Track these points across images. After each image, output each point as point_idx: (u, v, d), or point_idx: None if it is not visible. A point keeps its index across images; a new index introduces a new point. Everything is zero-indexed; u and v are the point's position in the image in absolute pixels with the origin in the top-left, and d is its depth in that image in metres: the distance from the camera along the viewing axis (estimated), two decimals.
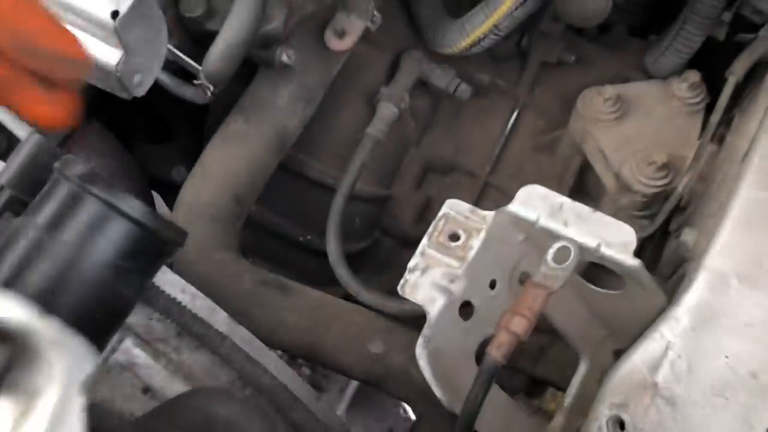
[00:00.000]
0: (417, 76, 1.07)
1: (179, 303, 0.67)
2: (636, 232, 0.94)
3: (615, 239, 0.79)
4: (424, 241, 0.81)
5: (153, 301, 0.66)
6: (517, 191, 1.17)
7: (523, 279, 0.86)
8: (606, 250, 0.79)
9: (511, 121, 1.15)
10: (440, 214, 0.82)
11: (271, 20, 0.84)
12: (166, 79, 0.96)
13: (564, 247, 0.66)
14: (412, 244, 1.19)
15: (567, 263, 0.65)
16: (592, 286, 0.86)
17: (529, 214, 0.81)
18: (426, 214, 1.18)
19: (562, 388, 1.13)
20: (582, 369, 0.92)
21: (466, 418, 0.61)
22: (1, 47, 0.57)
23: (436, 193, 1.18)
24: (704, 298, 0.75)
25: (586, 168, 1.04)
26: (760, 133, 0.80)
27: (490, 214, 0.82)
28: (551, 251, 0.66)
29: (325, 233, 1.00)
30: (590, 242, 0.79)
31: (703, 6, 0.88)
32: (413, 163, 1.15)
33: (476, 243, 0.80)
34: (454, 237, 0.81)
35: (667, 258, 0.97)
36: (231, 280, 0.89)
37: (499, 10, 0.90)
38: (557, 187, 1.11)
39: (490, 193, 1.16)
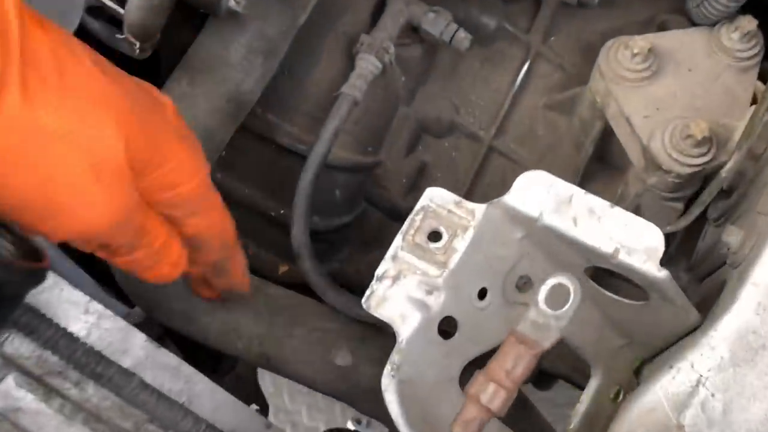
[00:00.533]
0: (405, 20, 0.89)
1: (69, 334, 0.53)
2: (664, 226, 0.77)
3: (637, 243, 0.62)
4: (397, 241, 0.65)
5: (36, 332, 0.52)
6: (527, 157, 1.01)
7: (522, 284, 0.70)
8: (625, 258, 0.62)
9: (522, 73, 0.96)
10: (417, 206, 0.66)
11: None
12: (98, 28, 0.80)
13: (560, 285, 0.49)
14: (402, 217, 1.04)
15: (564, 309, 0.48)
16: (608, 293, 0.70)
17: (530, 209, 0.64)
18: (419, 182, 1.01)
19: (572, 381, 0.99)
20: (593, 384, 0.77)
21: None
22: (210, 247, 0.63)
23: (433, 159, 1.01)
24: (750, 323, 0.59)
25: (610, 132, 0.85)
26: None
27: (479, 208, 0.65)
28: (543, 290, 0.50)
29: None
30: (605, 246, 0.63)
31: None
32: (403, 124, 0.98)
33: (462, 244, 0.64)
34: (435, 236, 0.65)
35: (703, 251, 0.80)
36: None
37: None
38: (575, 155, 0.94)
39: (494, 159, 0.99)
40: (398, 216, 1.02)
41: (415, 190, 1.01)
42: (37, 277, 0.47)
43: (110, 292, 0.79)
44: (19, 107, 0.44)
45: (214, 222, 0.62)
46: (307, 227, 0.82)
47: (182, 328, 0.76)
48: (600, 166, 0.93)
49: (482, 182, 1.00)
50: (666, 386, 0.61)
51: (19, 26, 0.46)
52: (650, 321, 0.69)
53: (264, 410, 1.25)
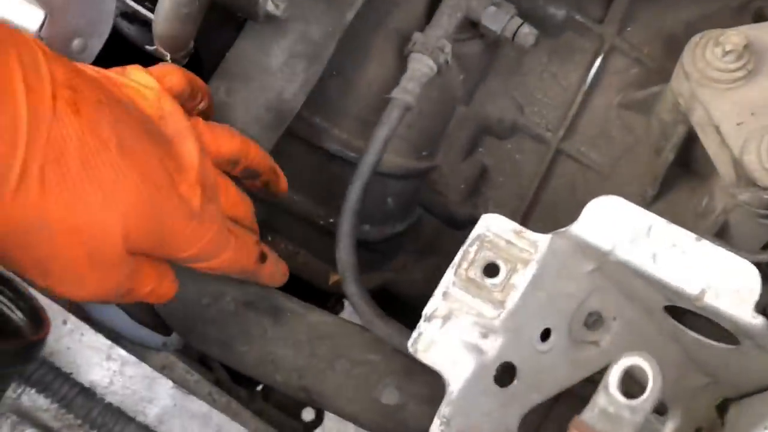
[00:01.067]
0: (463, 14, 0.80)
1: (86, 390, 0.48)
2: (758, 249, 0.68)
3: (728, 284, 0.54)
4: (448, 275, 0.58)
5: (50, 389, 0.48)
6: (599, 161, 0.92)
7: (592, 322, 0.62)
8: (713, 300, 0.54)
9: (594, 68, 0.87)
10: (472, 236, 0.59)
11: None
12: (133, 32, 0.76)
13: (637, 368, 0.41)
14: (461, 225, 0.97)
15: (642, 399, 0.40)
16: (692, 333, 0.62)
17: (602, 241, 0.56)
18: (479, 186, 0.94)
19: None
20: (670, 426, 0.69)
21: None
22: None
23: (494, 163, 0.93)
24: None
25: (695, 138, 0.76)
26: None
27: (543, 239, 0.57)
28: (615, 372, 0.41)
29: None
30: (690, 287, 0.54)
31: None
32: (462, 125, 0.90)
33: (522, 280, 0.57)
34: (492, 270, 0.58)
35: None
36: (208, 300, 0.70)
37: None
38: (654, 160, 0.85)
39: (562, 162, 0.90)
40: (456, 223, 0.95)
41: (474, 196, 0.94)
42: (30, 354, 0.44)
43: (147, 316, 0.75)
44: (33, 201, 0.45)
45: (225, 263, 0.62)
46: (353, 246, 0.76)
47: (219, 356, 0.72)
48: (682, 172, 0.83)
49: (549, 188, 0.91)
50: None
51: (51, 109, 0.46)
52: (740, 366, 0.61)
53: None
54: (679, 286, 0.54)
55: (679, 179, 0.84)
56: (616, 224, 0.56)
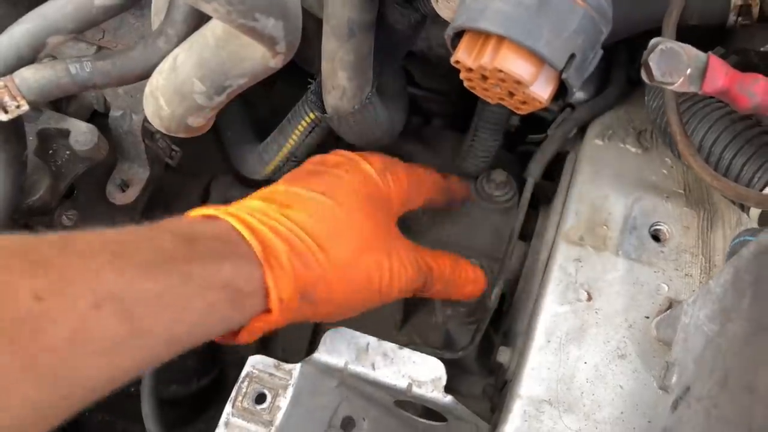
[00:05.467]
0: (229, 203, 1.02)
1: None
2: (459, 346, 0.91)
3: (425, 376, 0.76)
4: (227, 409, 0.75)
5: None
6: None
7: (347, 424, 0.81)
8: (417, 390, 0.75)
9: None
10: (243, 374, 0.76)
11: (35, 190, 0.78)
12: None
13: None
14: None
15: None
16: (418, 419, 0.82)
17: (336, 361, 0.76)
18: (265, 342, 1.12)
19: None
20: None
21: None
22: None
23: None
24: (521, 430, 0.72)
25: None
26: (557, 242, 0.78)
27: (296, 367, 0.77)
28: None
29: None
30: (401, 383, 0.75)
31: (491, 114, 0.87)
32: None
33: (284, 402, 0.75)
34: (260, 398, 0.75)
35: (496, 368, 0.94)
36: None
37: (289, 141, 0.87)
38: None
39: None
40: None
41: (264, 350, 1.12)
42: None
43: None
44: None
45: None
46: (154, 403, 0.90)
47: None
48: (418, 300, 1.07)
49: None
50: None
51: None
52: None
53: None
54: (393, 384, 0.75)
55: (417, 305, 1.08)
56: (345, 347, 0.77)
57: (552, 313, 0.74)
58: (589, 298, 0.74)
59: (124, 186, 0.85)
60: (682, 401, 0.53)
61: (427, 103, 1.12)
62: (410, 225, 0.92)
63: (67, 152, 0.81)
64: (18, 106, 0.61)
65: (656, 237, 0.77)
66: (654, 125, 0.80)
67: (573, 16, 0.47)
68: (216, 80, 0.52)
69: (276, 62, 0.51)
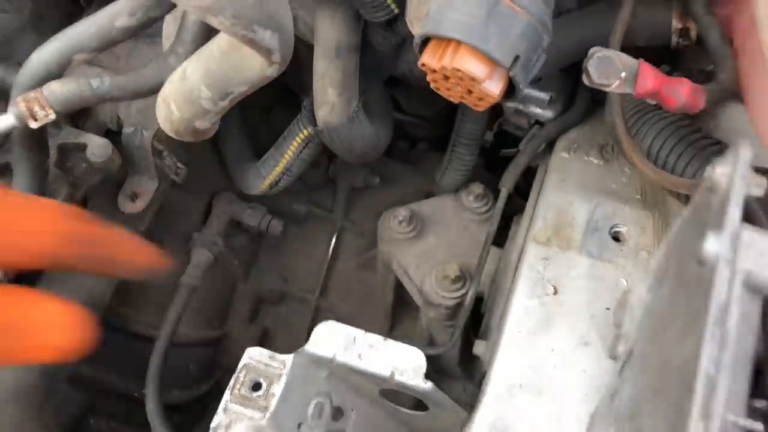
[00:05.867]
0: (229, 217, 1.10)
1: None
2: (442, 345, 0.98)
3: (407, 365, 0.82)
4: (226, 396, 0.82)
5: None
6: (347, 309, 1.22)
7: (335, 413, 0.88)
8: (400, 378, 0.82)
9: (332, 244, 1.19)
10: (240, 365, 0.83)
11: (54, 197, 0.86)
12: None
13: None
14: None
15: None
16: (402, 409, 0.89)
17: (326, 352, 0.83)
18: (265, 345, 1.18)
19: None
20: None
21: None
22: None
23: (273, 324, 1.19)
24: (495, 411, 0.78)
25: (401, 287, 1.08)
26: (527, 243, 0.86)
27: (289, 358, 0.83)
28: None
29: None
30: (384, 372, 0.82)
31: (466, 130, 0.96)
32: (243, 298, 1.17)
33: (278, 389, 0.82)
34: (257, 386, 0.82)
35: (477, 364, 1.01)
36: None
37: (285, 156, 0.95)
38: (382, 302, 1.16)
39: (322, 315, 1.18)
40: None
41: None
42: None
43: None
44: None
45: None
46: (158, 401, 0.96)
47: None
48: (403, 308, 1.15)
49: None
50: None
51: None
52: (437, 426, 0.88)
53: None
54: (377, 372, 0.82)
55: (403, 313, 1.15)
56: (334, 339, 0.84)
57: (522, 306, 0.82)
58: (556, 292, 0.82)
59: (133, 197, 0.93)
60: (626, 365, 0.60)
61: (413, 129, 1.22)
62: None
63: (84, 164, 0.90)
64: (46, 115, 0.70)
65: (616, 237, 0.85)
66: (613, 139, 0.89)
67: (517, 24, 0.56)
68: (220, 87, 0.61)
69: (272, 71, 0.59)
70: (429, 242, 1.02)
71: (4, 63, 0.88)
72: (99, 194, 0.93)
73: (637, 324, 0.60)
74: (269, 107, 1.17)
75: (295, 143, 0.94)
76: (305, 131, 0.91)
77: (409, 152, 1.23)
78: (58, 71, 0.70)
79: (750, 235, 0.41)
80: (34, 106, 0.69)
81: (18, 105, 0.69)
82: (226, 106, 0.63)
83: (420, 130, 1.20)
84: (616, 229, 0.85)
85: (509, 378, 0.79)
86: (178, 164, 1.03)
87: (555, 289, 0.82)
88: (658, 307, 0.53)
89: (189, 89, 0.61)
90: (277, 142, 0.98)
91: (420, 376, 0.82)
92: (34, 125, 0.70)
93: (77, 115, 0.91)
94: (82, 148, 0.88)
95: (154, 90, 0.72)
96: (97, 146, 0.87)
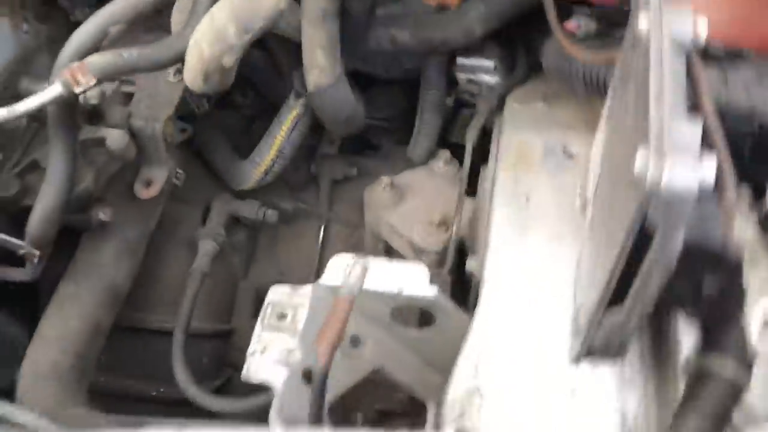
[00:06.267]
0: (228, 213, 1.22)
1: None
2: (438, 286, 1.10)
3: (411, 279, 0.94)
4: (257, 327, 0.91)
5: None
6: None
7: (354, 342, 0.98)
8: (408, 291, 0.93)
9: (320, 236, 1.31)
10: (267, 300, 0.94)
11: (81, 181, 0.97)
12: None
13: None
14: None
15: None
16: (411, 330, 1.00)
17: (338, 281, 0.94)
18: None
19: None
20: (430, 415, 1.03)
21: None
22: None
23: None
24: (491, 303, 0.90)
25: (390, 250, 1.20)
26: (497, 173, 1.02)
27: (308, 289, 0.94)
28: None
29: (175, 381, 1.07)
30: (394, 288, 0.94)
31: (430, 96, 1.12)
32: (245, 294, 1.27)
33: (303, 315, 0.92)
34: (283, 316, 0.92)
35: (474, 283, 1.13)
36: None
37: (278, 137, 1.09)
38: None
39: None
40: None
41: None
42: None
43: None
44: None
45: None
46: (186, 368, 1.04)
47: None
48: None
49: None
50: (462, 364, 0.89)
51: None
52: (444, 342, 0.99)
53: None
54: (389, 290, 0.93)
55: None
56: (347, 268, 0.95)
57: (503, 214, 0.96)
58: (527, 200, 0.96)
59: (147, 184, 1.05)
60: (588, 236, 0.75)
61: (379, 131, 1.38)
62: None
63: (104, 157, 1.02)
64: (87, 82, 0.83)
65: (569, 155, 1.01)
66: (553, 88, 1.07)
67: None
68: (244, 21, 0.76)
69: (284, 4, 0.75)
70: (411, 203, 1.15)
71: (28, 76, 1.01)
72: (118, 182, 1.04)
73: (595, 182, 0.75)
74: (251, 120, 1.32)
75: (285, 124, 1.08)
76: (295, 110, 1.05)
77: (379, 150, 1.39)
78: (94, 47, 0.84)
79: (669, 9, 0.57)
80: (78, 74, 0.82)
81: (63, 74, 0.82)
82: (249, 40, 0.78)
83: (385, 131, 1.36)
84: (568, 150, 1.02)
85: (499, 277, 0.92)
86: (178, 170, 1.15)
87: (527, 197, 0.97)
88: (609, 133, 0.69)
89: (217, 28, 0.76)
90: (268, 129, 1.13)
91: (424, 284, 0.93)
92: (78, 90, 0.83)
93: (94, 117, 1.03)
94: (101, 142, 1.00)
95: (176, 59, 0.86)
96: (115, 137, 1.00)
